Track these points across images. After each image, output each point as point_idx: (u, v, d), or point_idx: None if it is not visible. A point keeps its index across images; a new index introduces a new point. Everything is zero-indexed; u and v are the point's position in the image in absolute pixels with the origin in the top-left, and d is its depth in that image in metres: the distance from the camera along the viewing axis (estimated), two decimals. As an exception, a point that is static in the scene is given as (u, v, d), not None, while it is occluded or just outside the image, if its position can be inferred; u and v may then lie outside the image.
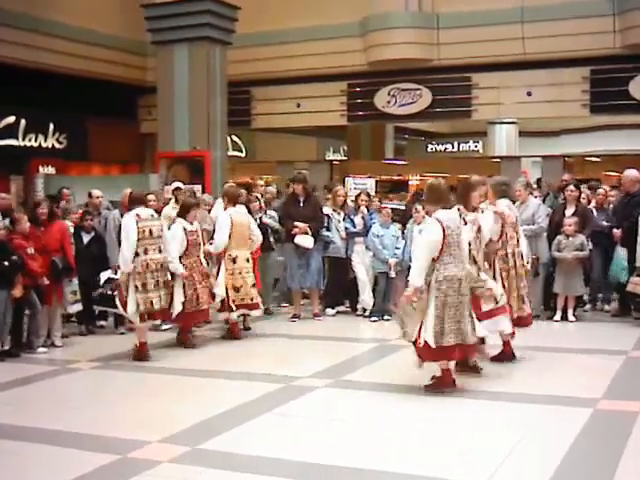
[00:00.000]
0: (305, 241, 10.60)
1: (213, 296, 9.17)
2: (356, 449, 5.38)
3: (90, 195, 10.94)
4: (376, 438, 5.63)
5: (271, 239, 11.02)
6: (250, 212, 10.16)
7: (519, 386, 6.84)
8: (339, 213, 11.10)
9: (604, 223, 10.80)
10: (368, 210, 11.22)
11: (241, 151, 21.85)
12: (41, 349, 8.72)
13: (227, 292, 9.22)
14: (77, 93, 17.19)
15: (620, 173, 11.41)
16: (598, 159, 20.80)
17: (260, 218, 10.77)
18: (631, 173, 10.74)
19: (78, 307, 9.35)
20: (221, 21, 15.73)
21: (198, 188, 14.30)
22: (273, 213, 11.31)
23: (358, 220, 11.01)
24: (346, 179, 17.20)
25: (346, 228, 10.95)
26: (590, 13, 15.26)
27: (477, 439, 5.54)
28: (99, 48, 17.29)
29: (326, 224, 10.99)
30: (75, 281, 9.18)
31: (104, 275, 9.30)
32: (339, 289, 11.38)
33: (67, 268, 8.95)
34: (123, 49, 18.09)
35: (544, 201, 11.96)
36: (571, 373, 7.61)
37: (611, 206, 11.26)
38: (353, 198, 12.08)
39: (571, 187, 10.78)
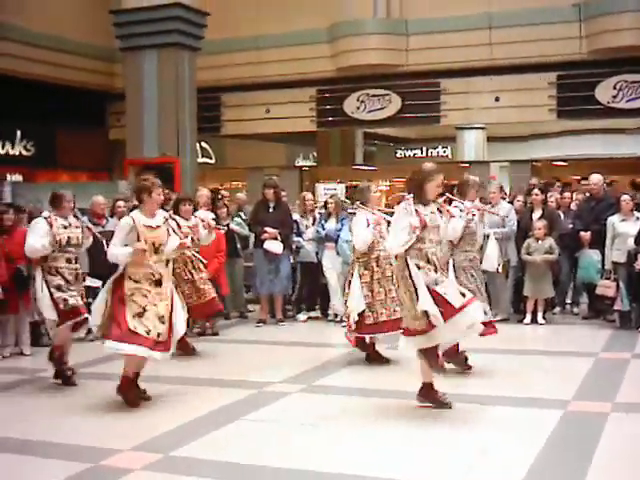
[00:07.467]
0: (274, 246, 10.60)
1: None
2: (329, 454, 5.37)
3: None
4: (349, 443, 5.62)
5: (238, 245, 11.20)
6: (218, 218, 10.35)
7: (489, 389, 6.87)
8: (307, 219, 11.21)
9: (570, 226, 10.89)
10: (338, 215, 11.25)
11: (210, 158, 21.75)
12: None
13: None
14: (45, 100, 17.02)
15: (587, 177, 11.52)
16: (565, 163, 21.00)
17: (227, 225, 11.00)
18: (598, 177, 10.87)
19: None
20: (190, 27, 15.65)
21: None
22: (240, 220, 11.48)
23: (331, 224, 10.94)
24: (316, 185, 17.22)
25: (317, 232, 10.97)
26: (556, 19, 15.40)
27: (450, 441, 5.56)
28: (67, 55, 17.12)
29: (296, 230, 11.05)
30: None
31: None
32: (311, 294, 11.41)
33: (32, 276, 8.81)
34: (91, 55, 17.90)
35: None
36: (541, 375, 7.67)
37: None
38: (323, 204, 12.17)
39: (536, 191, 10.88)
